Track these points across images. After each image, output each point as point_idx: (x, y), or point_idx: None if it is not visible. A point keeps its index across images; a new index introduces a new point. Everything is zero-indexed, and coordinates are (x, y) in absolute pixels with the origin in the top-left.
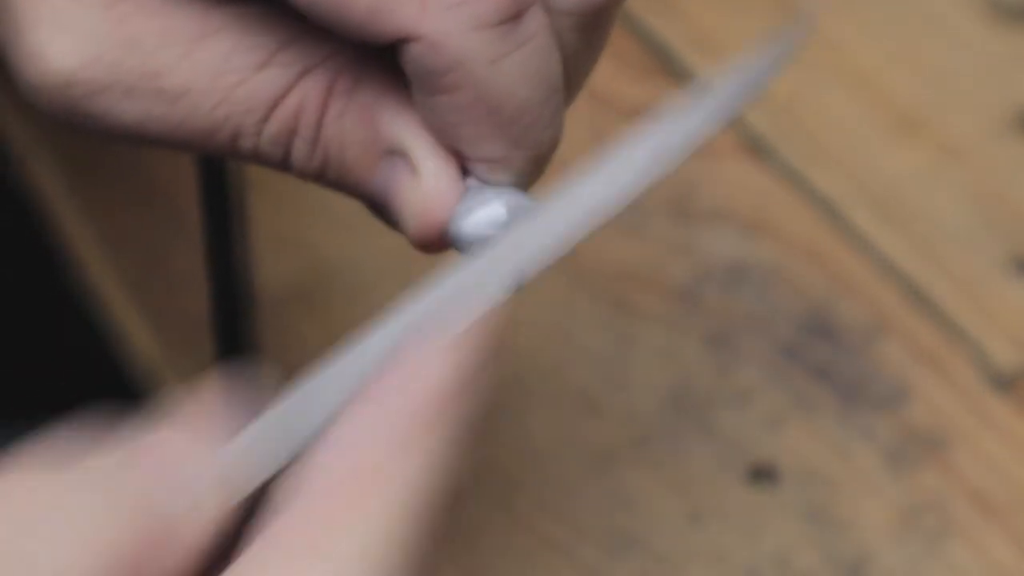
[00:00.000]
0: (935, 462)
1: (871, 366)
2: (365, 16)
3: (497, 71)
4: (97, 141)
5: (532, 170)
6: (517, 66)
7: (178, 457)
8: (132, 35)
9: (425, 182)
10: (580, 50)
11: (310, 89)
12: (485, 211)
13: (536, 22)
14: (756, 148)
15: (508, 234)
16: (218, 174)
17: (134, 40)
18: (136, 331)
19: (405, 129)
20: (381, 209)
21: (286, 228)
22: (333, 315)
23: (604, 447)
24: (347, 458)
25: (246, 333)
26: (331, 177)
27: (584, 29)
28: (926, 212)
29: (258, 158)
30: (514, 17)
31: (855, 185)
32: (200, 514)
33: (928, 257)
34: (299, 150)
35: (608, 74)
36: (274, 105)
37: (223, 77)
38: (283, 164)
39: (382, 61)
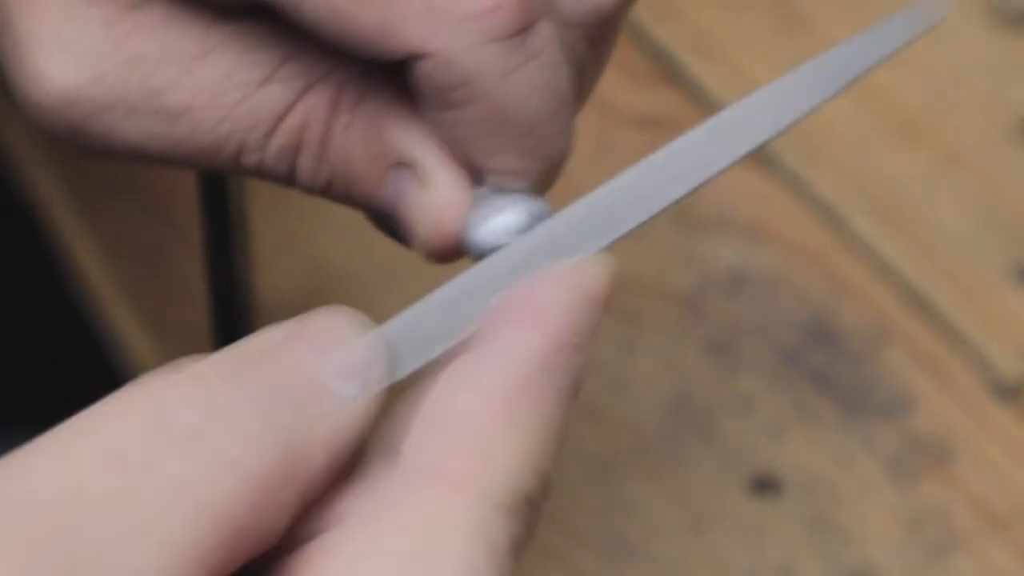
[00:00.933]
0: (938, 471)
1: (873, 373)
2: (373, 34)
3: (508, 85)
4: None
5: (545, 179)
6: (527, 79)
7: (335, 337)
8: (133, 54)
9: (436, 193)
10: (589, 60)
11: (314, 104)
12: (501, 219)
13: (544, 35)
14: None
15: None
16: (219, 182)
17: (135, 59)
18: (135, 338)
19: (412, 140)
20: (389, 222)
21: (286, 236)
22: None
23: (605, 454)
24: (454, 429)
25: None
26: (338, 191)
27: (592, 40)
28: (928, 218)
29: (263, 174)
30: (523, 31)
31: (857, 191)
32: (342, 419)
33: (930, 264)
34: (305, 165)
35: (611, 81)
36: (278, 121)
37: (225, 94)
38: (289, 179)
39: (386, 73)
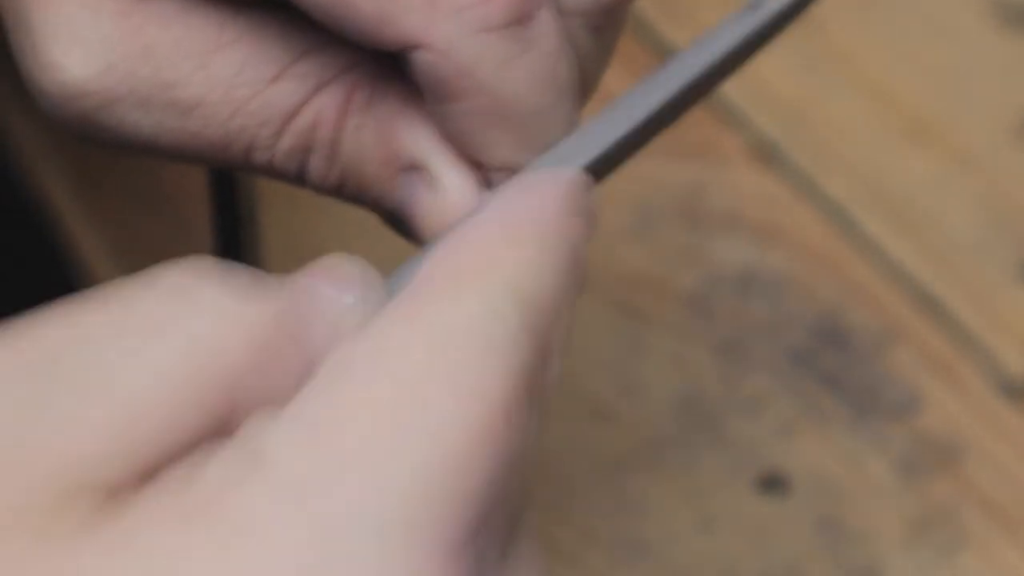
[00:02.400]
0: (947, 471)
1: (882, 374)
2: (372, 22)
3: (507, 75)
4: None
5: None
6: (527, 69)
7: (335, 274)
8: (146, 45)
9: (445, 196)
10: (592, 50)
11: (326, 103)
12: None
13: (544, 24)
14: (766, 154)
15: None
16: (228, 181)
17: (148, 50)
18: None
19: (424, 143)
20: (401, 223)
21: (296, 235)
22: None
23: (613, 454)
24: (457, 250)
25: None
26: (349, 192)
27: (596, 29)
28: (938, 219)
29: (274, 172)
30: (521, 20)
31: (866, 191)
32: (355, 313)
33: (940, 264)
34: (316, 165)
35: (618, 79)
36: (289, 118)
37: (237, 89)
38: (300, 178)
39: (399, 74)
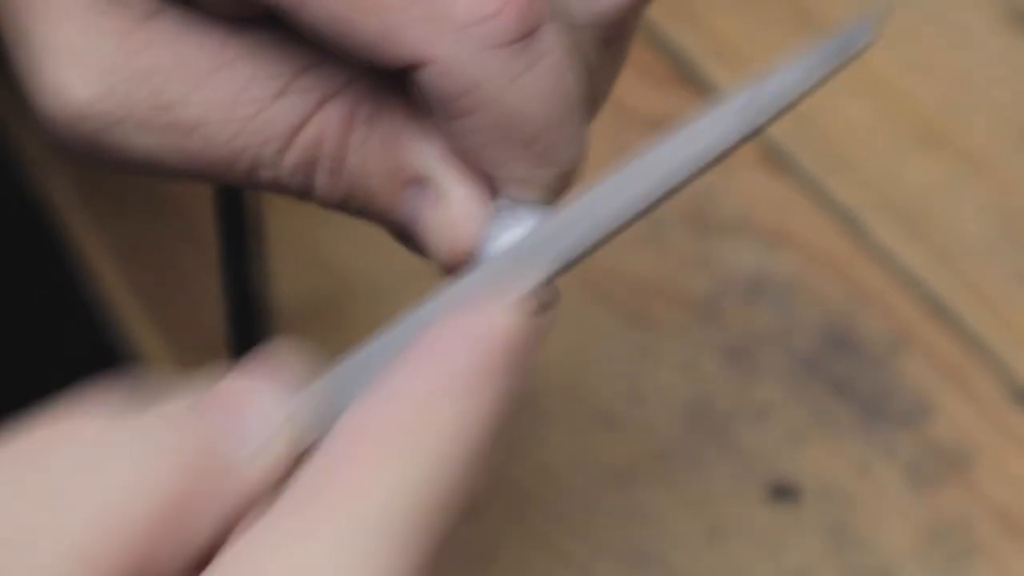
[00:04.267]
0: (958, 479)
1: (892, 380)
2: (374, 41)
3: (513, 91)
4: None
5: (557, 187)
6: (533, 84)
7: (244, 403)
8: (146, 67)
9: (451, 209)
10: (601, 63)
11: (330, 118)
12: (516, 233)
13: (550, 38)
14: (776, 159)
15: (533, 232)
16: (234, 187)
17: (147, 72)
18: (150, 344)
19: (429, 156)
20: (407, 236)
21: (302, 242)
22: (349, 329)
23: (622, 462)
24: (372, 417)
25: (261, 347)
26: (355, 206)
27: (604, 41)
28: (948, 224)
29: (280, 189)
30: (527, 35)
31: (876, 196)
32: (262, 461)
33: (950, 270)
34: (321, 180)
35: (629, 84)
36: (292, 135)
37: (239, 108)
38: (305, 194)
39: (402, 87)
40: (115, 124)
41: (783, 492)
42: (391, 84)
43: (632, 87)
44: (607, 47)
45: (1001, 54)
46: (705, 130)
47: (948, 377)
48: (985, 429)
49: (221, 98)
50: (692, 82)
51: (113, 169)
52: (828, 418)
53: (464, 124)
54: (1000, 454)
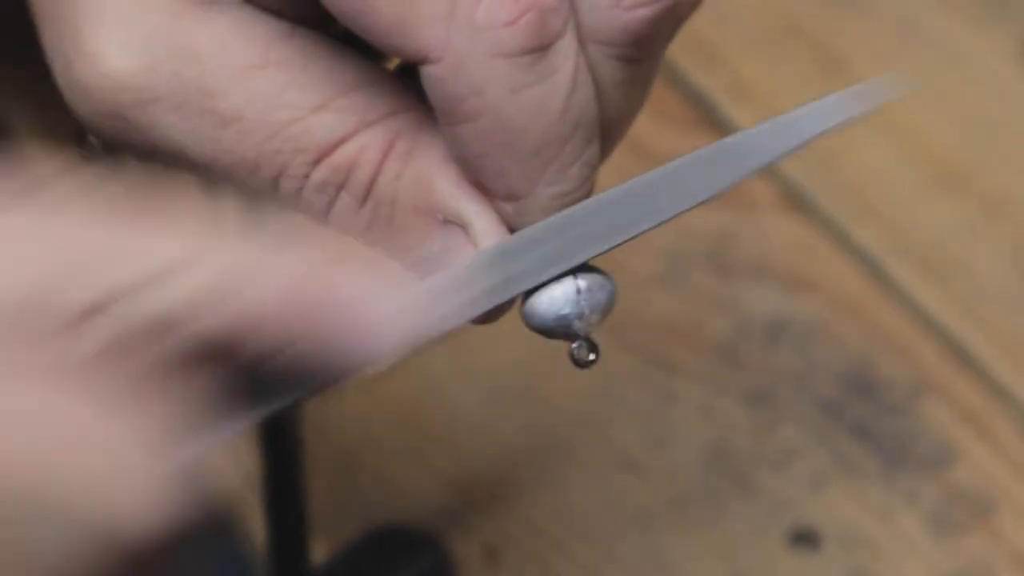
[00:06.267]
0: (979, 525)
1: (914, 426)
2: (391, 28)
3: (515, 102)
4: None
5: (559, 209)
6: (538, 98)
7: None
8: (192, 49)
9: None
10: (620, 85)
11: (368, 143)
12: (560, 287)
13: (564, 55)
14: (797, 201)
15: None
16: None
17: (193, 54)
18: None
19: (464, 200)
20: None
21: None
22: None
23: (643, 507)
24: None
25: None
26: (374, 237)
27: (623, 60)
28: (969, 268)
29: (299, 203)
30: (539, 48)
31: (897, 240)
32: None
33: (971, 314)
34: (344, 204)
35: (649, 125)
36: (327, 151)
37: (277, 111)
38: (322, 215)
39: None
40: (152, 102)
41: (804, 538)
42: (433, 124)
43: (652, 128)
44: (626, 69)
45: (1021, 98)
46: (708, 166)
47: (969, 423)
48: (1007, 476)
49: (260, 96)
50: (712, 122)
51: (133, 154)
52: (849, 463)
53: (466, 130)
54: (1021, 500)
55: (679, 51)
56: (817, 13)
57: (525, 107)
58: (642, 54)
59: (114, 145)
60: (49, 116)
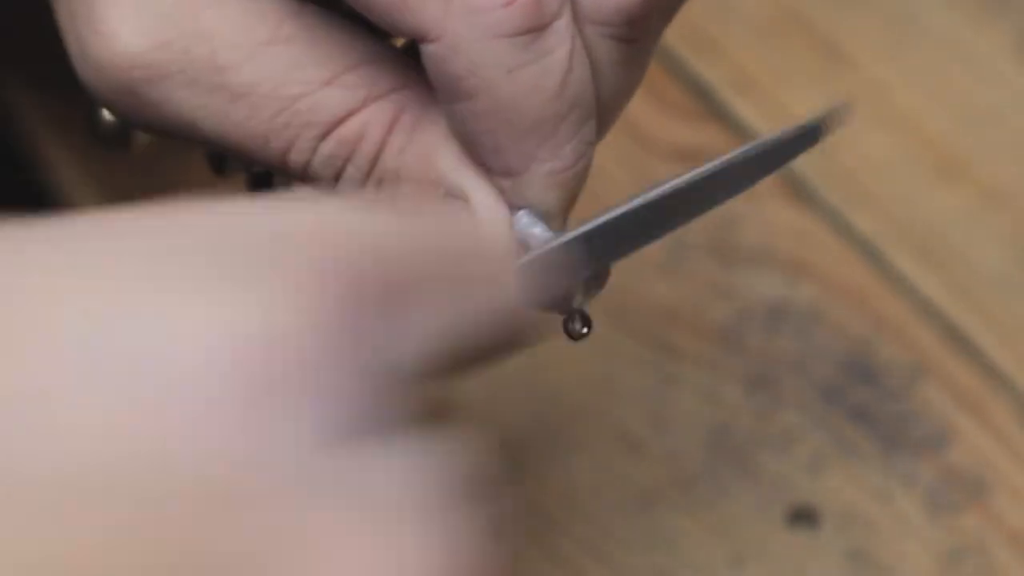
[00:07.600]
0: (976, 506)
1: (912, 409)
2: (390, 6)
3: (513, 81)
4: (132, 169)
5: (557, 193)
6: (534, 78)
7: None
8: (204, 26)
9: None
10: (615, 65)
11: (374, 117)
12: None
13: (560, 36)
14: (797, 189)
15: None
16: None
17: (206, 31)
18: None
19: (465, 175)
20: None
21: None
22: None
23: (645, 488)
24: None
25: None
26: None
27: (618, 40)
28: (967, 254)
29: (307, 176)
30: (535, 29)
31: (897, 227)
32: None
33: (968, 300)
34: (351, 176)
35: (649, 115)
36: (334, 125)
37: (287, 86)
38: (330, 187)
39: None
40: (164, 78)
41: (803, 518)
42: (436, 101)
43: (651, 117)
44: (622, 48)
45: (1021, 86)
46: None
47: (966, 406)
48: (1002, 457)
49: (271, 72)
50: (715, 115)
51: (145, 129)
52: (848, 445)
53: (464, 108)
54: (1017, 480)
55: (681, 41)
56: (819, 4)
57: (521, 86)
58: (637, 34)
59: (127, 121)
60: (59, 110)
